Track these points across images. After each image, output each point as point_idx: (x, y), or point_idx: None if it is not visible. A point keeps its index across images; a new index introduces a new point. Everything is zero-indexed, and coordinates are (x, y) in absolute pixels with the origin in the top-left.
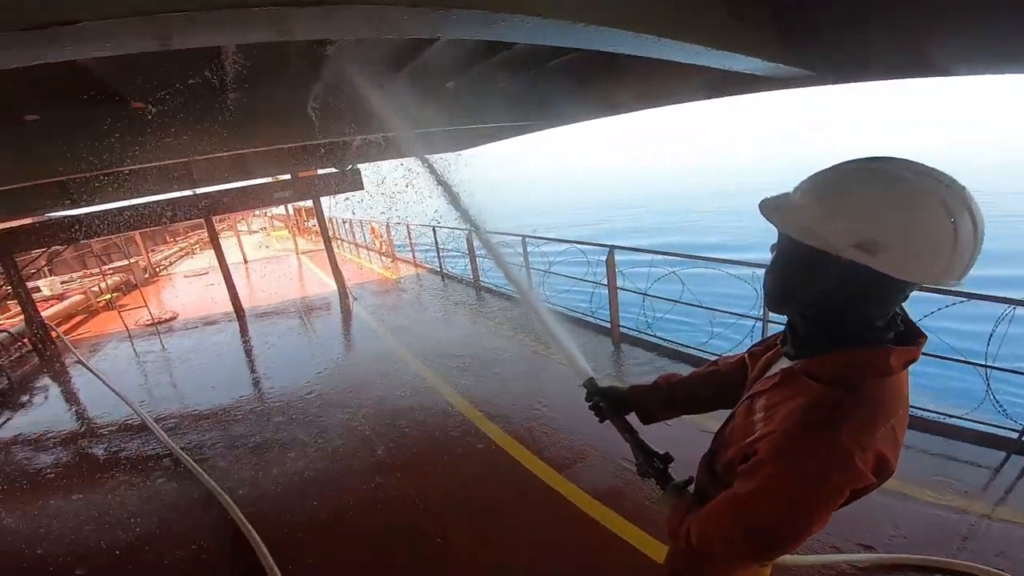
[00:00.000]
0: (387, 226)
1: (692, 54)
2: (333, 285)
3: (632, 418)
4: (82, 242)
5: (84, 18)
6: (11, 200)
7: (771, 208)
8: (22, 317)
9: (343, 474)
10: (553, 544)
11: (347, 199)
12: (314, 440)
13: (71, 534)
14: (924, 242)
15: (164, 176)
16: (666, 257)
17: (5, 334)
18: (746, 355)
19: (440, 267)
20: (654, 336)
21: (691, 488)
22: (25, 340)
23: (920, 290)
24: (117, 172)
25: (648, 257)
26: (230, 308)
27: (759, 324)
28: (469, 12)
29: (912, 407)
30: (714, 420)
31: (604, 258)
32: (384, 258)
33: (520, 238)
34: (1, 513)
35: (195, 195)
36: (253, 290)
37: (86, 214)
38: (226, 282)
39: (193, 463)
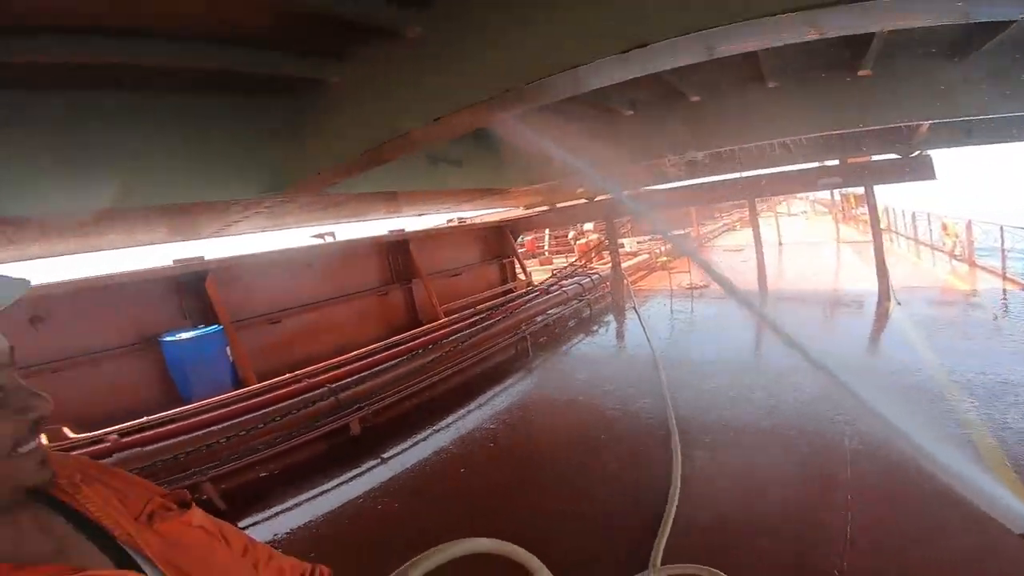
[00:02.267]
0: (968, 224)
1: None
2: (873, 283)
3: None
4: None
5: (651, 40)
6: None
7: None
8: (610, 265)
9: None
10: None
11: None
12: (758, 442)
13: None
14: None
15: (716, 159)
16: None
17: (597, 276)
18: None
19: None
20: None
21: None
22: (607, 283)
23: None
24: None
25: None
26: (755, 287)
27: None
28: None
29: None
30: None
31: None
32: (955, 262)
33: None
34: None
35: (741, 178)
36: (781, 272)
37: (662, 189)
38: (757, 262)
39: (670, 398)
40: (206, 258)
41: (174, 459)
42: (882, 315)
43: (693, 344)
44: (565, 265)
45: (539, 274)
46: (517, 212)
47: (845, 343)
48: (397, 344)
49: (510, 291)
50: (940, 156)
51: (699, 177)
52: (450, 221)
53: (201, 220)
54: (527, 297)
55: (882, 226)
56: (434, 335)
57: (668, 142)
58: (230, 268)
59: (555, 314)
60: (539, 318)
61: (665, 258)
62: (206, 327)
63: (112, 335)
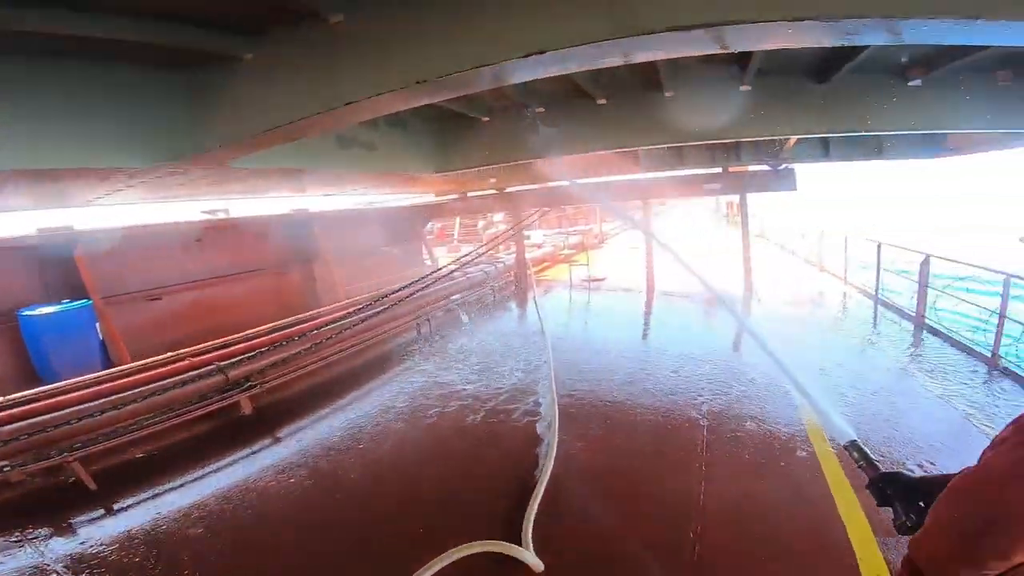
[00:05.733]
0: (820, 234)
1: None
2: (743, 282)
3: None
4: (564, 207)
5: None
6: (521, 172)
7: None
8: (515, 254)
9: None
10: None
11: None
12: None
13: (495, 361)
14: None
15: (618, 161)
16: None
17: (502, 264)
18: None
19: (876, 291)
20: None
21: None
22: (511, 272)
23: None
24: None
25: None
26: (644, 282)
27: None
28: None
29: None
30: None
31: None
32: (811, 266)
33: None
34: (483, 355)
35: (638, 179)
36: (669, 269)
37: (570, 185)
38: (647, 260)
39: (555, 376)
40: (76, 228)
41: (29, 437)
42: (745, 310)
43: (581, 329)
44: (469, 253)
45: (447, 261)
46: (428, 199)
47: (705, 331)
48: (293, 324)
49: (417, 276)
50: (815, 172)
51: (600, 176)
52: (359, 204)
53: (73, 187)
54: (432, 282)
55: (755, 232)
56: (332, 316)
57: (578, 138)
58: (103, 240)
59: (459, 299)
60: (442, 302)
61: (568, 251)
62: (72, 302)
63: None
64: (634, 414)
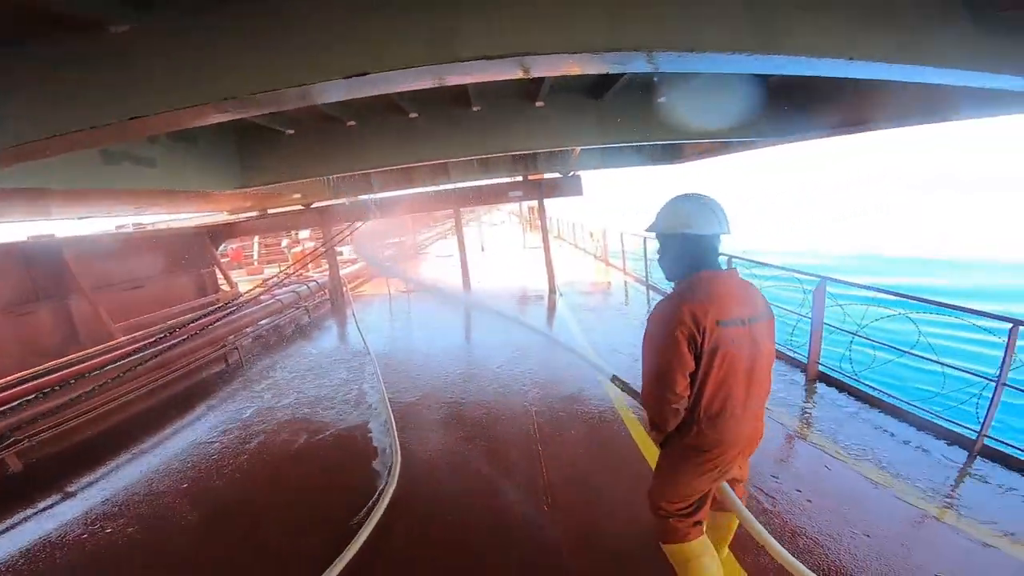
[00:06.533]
0: (603, 232)
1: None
2: (546, 280)
3: None
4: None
5: (372, 70)
6: (333, 187)
7: (652, 228)
8: (328, 273)
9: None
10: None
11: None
12: (469, 396)
13: (321, 383)
14: (701, 217)
15: (430, 172)
16: (899, 299)
17: (314, 283)
18: None
19: (646, 278)
20: (858, 381)
21: None
22: (325, 291)
23: None
24: (402, 168)
25: (872, 295)
26: (461, 287)
27: (990, 385)
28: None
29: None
30: None
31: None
32: (597, 261)
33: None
34: (306, 379)
35: (449, 189)
36: (482, 274)
37: (377, 199)
38: (462, 266)
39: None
40: None
41: None
42: (550, 303)
43: (405, 339)
44: (277, 274)
45: (248, 284)
46: (218, 218)
47: (519, 327)
48: (50, 372)
49: (213, 303)
50: (601, 179)
51: (412, 187)
52: (121, 227)
53: None
54: (233, 308)
55: (554, 234)
56: (105, 357)
57: (390, 151)
58: None
59: (267, 324)
60: (249, 329)
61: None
62: None
63: None
64: (469, 410)
